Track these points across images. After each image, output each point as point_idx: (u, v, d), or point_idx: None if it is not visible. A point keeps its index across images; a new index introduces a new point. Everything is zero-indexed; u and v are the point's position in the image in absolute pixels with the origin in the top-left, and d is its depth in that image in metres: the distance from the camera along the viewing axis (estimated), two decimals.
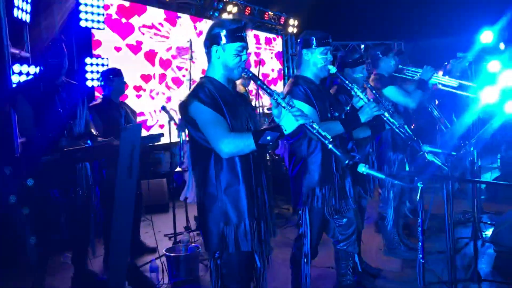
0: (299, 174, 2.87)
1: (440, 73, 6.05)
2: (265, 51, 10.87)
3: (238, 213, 2.21)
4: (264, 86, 2.16)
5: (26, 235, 3.84)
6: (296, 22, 11.48)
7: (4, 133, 4.14)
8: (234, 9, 9.28)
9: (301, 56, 2.95)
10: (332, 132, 2.77)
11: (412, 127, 4.17)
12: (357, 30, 12.78)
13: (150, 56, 7.54)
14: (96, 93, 5.90)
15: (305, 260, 2.84)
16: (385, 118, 2.92)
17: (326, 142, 2.09)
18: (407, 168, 4.04)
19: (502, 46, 10.53)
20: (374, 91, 3.54)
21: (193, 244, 4.11)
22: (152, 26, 7.57)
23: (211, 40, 2.27)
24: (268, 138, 2.06)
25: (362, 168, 1.94)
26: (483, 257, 4.01)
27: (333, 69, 2.88)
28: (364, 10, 12.07)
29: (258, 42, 10.58)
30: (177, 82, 8.09)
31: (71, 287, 3.78)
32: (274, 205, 2.48)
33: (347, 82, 2.85)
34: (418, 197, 1.82)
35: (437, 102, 5.87)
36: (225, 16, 9.09)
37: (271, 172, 6.13)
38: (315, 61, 2.89)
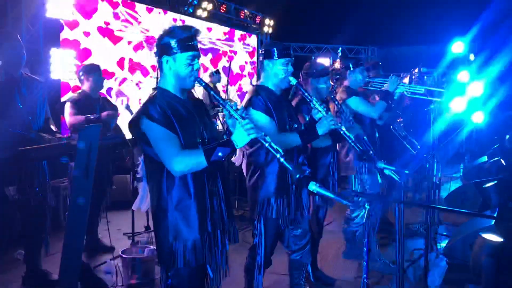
0: (256, 183, 2.87)
1: (406, 80, 6.17)
2: (239, 48, 10.84)
3: (189, 228, 2.20)
4: (217, 97, 2.16)
5: None
6: (271, 22, 11.50)
7: None
8: (209, 6, 9.22)
9: (263, 67, 2.96)
10: (289, 143, 2.80)
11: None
12: (332, 33, 12.91)
13: (122, 50, 7.43)
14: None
15: (257, 271, 2.85)
16: (341, 132, 2.95)
17: (278, 155, 2.09)
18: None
19: (472, 57, 10.82)
20: (336, 102, 3.58)
21: (151, 246, 4.07)
22: (125, 20, 7.46)
23: (162, 50, 2.23)
24: (220, 154, 2.06)
25: (313, 187, 1.95)
26: (435, 269, 4.10)
27: (293, 81, 2.90)
28: (339, 14, 12.18)
29: (232, 39, 10.54)
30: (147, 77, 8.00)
31: (21, 286, 3.71)
32: (232, 213, 2.46)
33: (306, 94, 2.87)
34: (364, 218, 1.84)
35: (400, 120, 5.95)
36: (199, 12, 9.04)
37: (237, 173, 6.16)
38: (276, 72, 2.90)
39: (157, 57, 2.27)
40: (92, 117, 4.16)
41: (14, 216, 3.63)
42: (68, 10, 5.90)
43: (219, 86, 8.12)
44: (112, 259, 4.04)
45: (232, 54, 10.48)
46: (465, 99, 6.33)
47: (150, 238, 4.98)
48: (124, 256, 3.77)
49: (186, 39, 2.20)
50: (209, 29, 9.64)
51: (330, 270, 4.00)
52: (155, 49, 2.29)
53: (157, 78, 2.35)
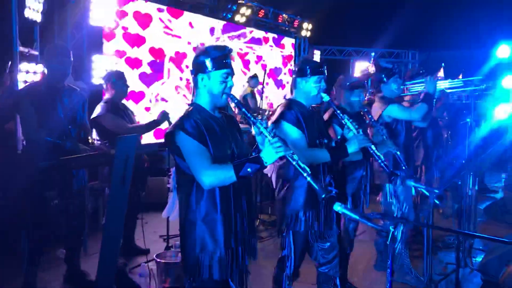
0: (284, 196, 2.93)
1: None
2: (276, 54, 10.87)
3: (214, 242, 2.28)
4: (248, 114, 2.23)
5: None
6: (310, 26, 11.46)
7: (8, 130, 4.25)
8: (248, 12, 9.29)
9: (295, 84, 3.01)
10: (318, 159, 2.84)
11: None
12: (371, 36, 12.73)
13: (159, 54, 7.60)
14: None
15: (286, 283, 2.90)
16: (371, 151, 2.97)
17: (305, 174, 2.16)
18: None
19: None
20: (370, 116, 3.58)
21: None
22: (165, 26, 7.64)
23: (197, 68, 2.34)
24: (249, 170, 2.13)
25: (337, 207, 1.99)
26: (469, 285, 4.03)
27: (326, 97, 2.94)
28: (379, 18, 12.00)
29: (269, 43, 10.58)
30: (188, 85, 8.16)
31: (62, 285, 3.90)
32: (254, 229, 2.54)
33: (338, 111, 2.90)
34: (388, 240, 1.86)
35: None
36: (237, 18, 9.13)
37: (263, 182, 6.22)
38: (309, 89, 2.95)
39: (193, 75, 2.38)
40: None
41: (55, 217, 3.81)
42: (111, 18, 6.10)
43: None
44: (147, 262, 4.16)
45: (268, 58, 10.52)
46: (509, 106, 6.16)
47: None
48: (158, 260, 3.89)
49: (220, 57, 2.31)
50: (245, 34, 9.72)
51: (361, 283, 4.00)
52: (191, 67, 2.40)
53: (192, 94, 2.45)
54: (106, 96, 4.50)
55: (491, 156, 4.24)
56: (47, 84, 3.65)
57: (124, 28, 6.80)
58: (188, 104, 2.44)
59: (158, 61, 7.54)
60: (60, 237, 3.92)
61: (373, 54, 9.91)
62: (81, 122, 3.79)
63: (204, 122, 2.30)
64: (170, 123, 4.85)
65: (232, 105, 2.54)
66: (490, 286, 3.81)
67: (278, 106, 3.08)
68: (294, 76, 3.03)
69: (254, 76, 8.27)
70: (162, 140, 4.39)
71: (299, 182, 2.90)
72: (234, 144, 2.39)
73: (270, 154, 2.13)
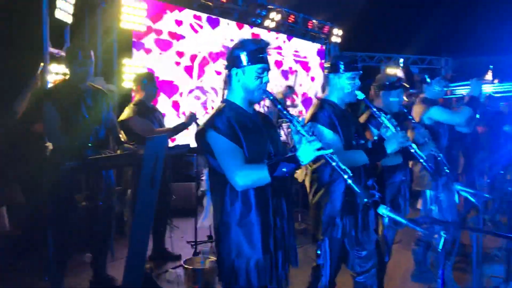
0: (319, 201, 2.75)
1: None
2: (305, 60, 10.75)
3: (251, 247, 2.13)
4: (284, 111, 2.09)
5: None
6: (340, 32, 11.30)
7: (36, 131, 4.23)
8: (277, 17, 9.20)
9: (328, 81, 2.85)
10: (356, 161, 2.65)
11: None
12: (403, 42, 12.46)
13: (189, 59, 7.56)
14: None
15: None
16: (412, 151, 2.77)
17: (346, 176, 1.99)
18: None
19: None
20: (410, 117, 3.39)
21: (213, 257, 4.05)
22: (194, 30, 7.61)
23: (231, 63, 2.20)
24: (284, 170, 1.99)
25: (382, 210, 1.82)
26: None
27: (360, 95, 2.76)
28: (410, 23, 11.75)
29: (299, 50, 10.47)
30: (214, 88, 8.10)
31: None
32: (294, 233, 2.36)
33: (374, 109, 2.73)
34: (440, 247, 1.68)
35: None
36: (267, 23, 9.05)
37: (300, 186, 6.03)
38: (342, 86, 2.78)
39: (226, 70, 2.25)
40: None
41: (83, 220, 3.74)
42: (140, 22, 6.08)
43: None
44: (174, 268, 4.07)
45: (298, 64, 10.41)
46: None
47: (213, 248, 4.98)
48: (186, 266, 3.79)
49: (256, 51, 2.17)
50: (277, 39, 9.65)
51: None
52: (225, 62, 2.27)
53: (223, 90, 2.32)
54: (136, 98, 4.47)
55: None
56: (70, 85, 3.60)
57: (155, 32, 6.78)
58: (220, 101, 2.32)
59: (186, 65, 7.50)
60: (86, 241, 3.87)
61: (401, 60, 9.61)
62: (108, 122, 3.72)
63: (238, 119, 2.17)
64: (198, 125, 4.78)
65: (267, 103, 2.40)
66: None
67: (311, 107, 2.93)
68: (326, 72, 2.87)
69: (290, 88, 8.19)
70: (189, 142, 4.37)
71: (335, 186, 2.72)
72: (270, 143, 2.24)
73: (307, 153, 1.97)
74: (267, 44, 2.21)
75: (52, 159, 3.56)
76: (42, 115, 3.58)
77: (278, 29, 9.61)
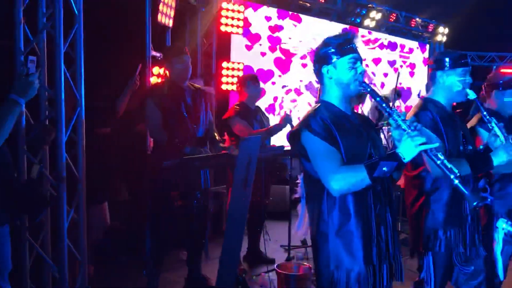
0: (419, 212, 2.52)
1: None
2: (408, 60, 10.24)
3: (352, 258, 1.98)
4: (384, 104, 1.91)
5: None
6: (446, 30, 10.61)
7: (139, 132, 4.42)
8: (378, 16, 8.84)
9: (434, 78, 2.59)
10: None
11: None
12: None
13: (285, 63, 7.52)
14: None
15: None
16: None
17: (452, 176, 1.77)
18: None
19: None
20: None
21: (306, 263, 3.94)
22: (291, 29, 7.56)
23: (320, 62, 2.10)
24: (384, 169, 1.80)
25: (503, 224, 1.58)
26: None
27: (472, 95, 2.48)
28: None
29: (402, 50, 10.00)
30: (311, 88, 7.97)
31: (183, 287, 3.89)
32: (399, 244, 2.16)
33: (485, 113, 2.43)
34: None
35: None
36: (367, 22, 8.75)
37: (400, 192, 5.70)
38: (452, 84, 2.52)
39: (316, 71, 2.15)
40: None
41: (179, 218, 3.83)
42: (239, 25, 6.13)
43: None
44: (267, 272, 4.01)
45: (400, 64, 9.94)
46: None
47: (306, 254, 4.87)
48: (279, 270, 3.71)
49: (343, 43, 2.05)
50: (377, 40, 9.31)
51: None
52: (314, 65, 2.17)
53: (318, 92, 2.21)
54: (240, 99, 4.56)
55: None
56: (170, 84, 3.70)
57: (252, 35, 6.82)
58: (316, 102, 2.20)
59: (283, 66, 7.47)
60: (182, 238, 3.95)
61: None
62: (206, 122, 3.77)
63: (334, 120, 2.03)
64: (292, 126, 4.70)
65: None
66: None
67: (413, 107, 2.70)
68: (432, 69, 2.62)
69: (398, 94, 7.78)
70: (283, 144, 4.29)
71: (438, 195, 2.48)
72: (372, 146, 2.07)
73: (409, 148, 1.77)
74: (353, 35, 2.10)
75: (153, 157, 3.68)
76: (144, 114, 3.73)
77: (378, 28, 9.24)
